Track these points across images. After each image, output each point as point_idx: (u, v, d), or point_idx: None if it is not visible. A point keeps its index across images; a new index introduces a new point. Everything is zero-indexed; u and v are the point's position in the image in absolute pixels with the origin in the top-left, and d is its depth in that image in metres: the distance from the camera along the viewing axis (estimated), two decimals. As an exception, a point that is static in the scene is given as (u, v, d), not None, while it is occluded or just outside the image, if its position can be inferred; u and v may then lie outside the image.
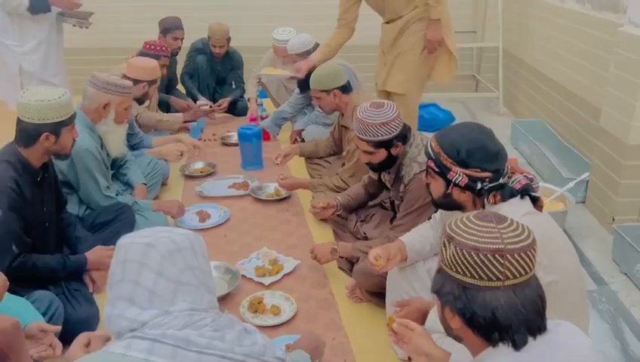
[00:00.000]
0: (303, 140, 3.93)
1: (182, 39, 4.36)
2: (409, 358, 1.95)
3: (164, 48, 3.76)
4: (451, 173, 1.56)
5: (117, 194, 2.69)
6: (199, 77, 4.77)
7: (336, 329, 2.15)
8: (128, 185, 2.97)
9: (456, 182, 1.55)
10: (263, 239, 2.81)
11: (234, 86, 4.94)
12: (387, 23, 3.44)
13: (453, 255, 1.07)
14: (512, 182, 1.57)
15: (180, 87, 4.81)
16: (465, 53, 5.64)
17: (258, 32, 5.21)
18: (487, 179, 1.54)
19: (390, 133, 2.14)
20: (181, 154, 3.37)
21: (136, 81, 3.15)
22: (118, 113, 2.64)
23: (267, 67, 4.66)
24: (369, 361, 1.99)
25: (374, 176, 2.51)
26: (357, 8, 3.52)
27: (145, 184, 3.01)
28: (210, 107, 4.56)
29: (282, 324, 2.15)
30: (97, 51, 5.34)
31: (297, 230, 2.92)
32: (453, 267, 1.07)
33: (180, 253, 1.09)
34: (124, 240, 1.11)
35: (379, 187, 2.55)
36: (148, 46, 3.71)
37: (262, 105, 4.71)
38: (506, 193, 1.55)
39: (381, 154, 2.19)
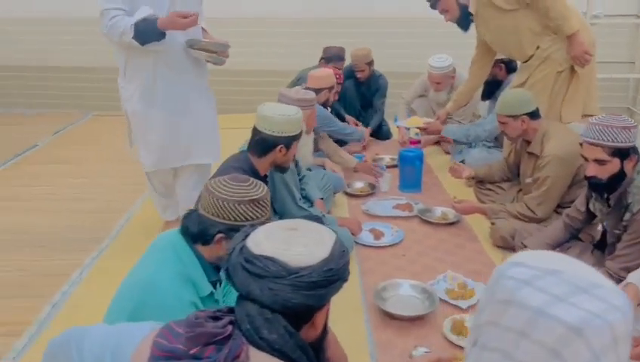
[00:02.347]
0: None
1: (341, 69, 4.54)
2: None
3: (337, 76, 3.93)
4: None
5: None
6: (346, 99, 4.90)
7: None
8: (306, 199, 3.08)
9: None
10: (444, 262, 2.77)
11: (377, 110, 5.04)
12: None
13: None
14: None
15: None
16: (619, 85, 5.37)
17: (405, 58, 5.30)
18: None
19: (629, 141, 2.04)
20: None
21: (318, 90, 3.39)
22: (308, 125, 2.79)
23: (417, 93, 4.71)
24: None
25: (582, 207, 2.40)
26: (489, 56, 3.52)
27: (322, 198, 3.11)
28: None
29: (490, 350, 2.09)
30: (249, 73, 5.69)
31: (477, 256, 2.86)
32: None
33: (616, 347, 0.69)
34: (525, 293, 0.71)
35: (586, 222, 2.44)
36: None
37: (409, 129, 4.74)
38: None
39: (614, 165, 2.08)
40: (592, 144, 2.10)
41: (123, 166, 4.23)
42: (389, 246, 2.94)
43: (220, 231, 1.53)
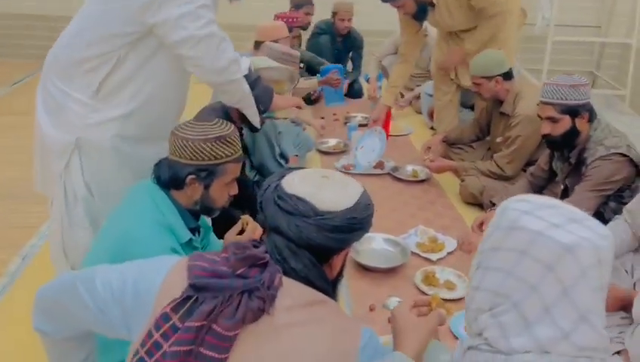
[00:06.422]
0: None
1: (312, 14, 4.47)
2: None
3: (295, 19, 3.89)
4: None
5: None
6: (321, 55, 4.84)
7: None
8: (281, 156, 3.07)
9: None
10: (416, 218, 2.85)
11: (351, 68, 5.02)
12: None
13: None
14: None
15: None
16: (584, 48, 5.49)
17: (379, 16, 5.23)
18: None
19: (578, 99, 2.13)
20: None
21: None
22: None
23: (389, 50, 4.70)
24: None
25: (545, 166, 2.49)
26: (418, 45, 3.63)
27: (297, 155, 3.11)
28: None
29: (460, 299, 2.19)
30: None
31: (446, 211, 2.94)
32: None
33: (599, 268, 0.86)
34: (527, 220, 0.87)
35: (549, 180, 2.54)
36: (279, 18, 3.87)
37: (380, 88, 4.76)
38: None
39: (565, 123, 2.18)
40: (543, 103, 2.20)
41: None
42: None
43: (190, 173, 1.53)
